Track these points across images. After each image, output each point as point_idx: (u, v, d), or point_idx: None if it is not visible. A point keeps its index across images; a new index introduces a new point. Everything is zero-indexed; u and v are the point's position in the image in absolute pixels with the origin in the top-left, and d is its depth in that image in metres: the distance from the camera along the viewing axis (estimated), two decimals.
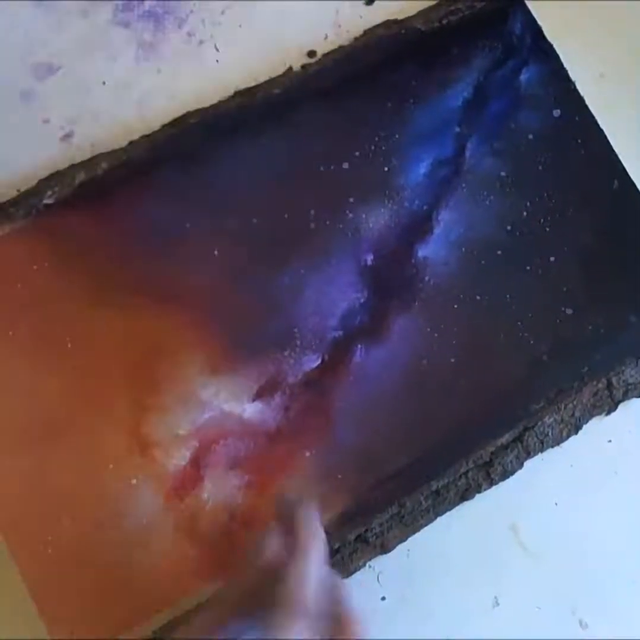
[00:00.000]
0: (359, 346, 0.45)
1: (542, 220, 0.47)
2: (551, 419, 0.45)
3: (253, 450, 0.43)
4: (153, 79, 0.48)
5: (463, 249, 0.47)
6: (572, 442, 0.46)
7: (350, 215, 0.46)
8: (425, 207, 0.47)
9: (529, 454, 0.45)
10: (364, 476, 0.44)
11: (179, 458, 0.43)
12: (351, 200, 0.46)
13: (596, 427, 0.46)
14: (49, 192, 0.44)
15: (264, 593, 0.33)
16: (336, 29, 0.50)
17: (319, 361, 0.45)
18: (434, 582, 0.44)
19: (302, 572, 0.34)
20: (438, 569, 0.45)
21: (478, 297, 0.46)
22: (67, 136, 0.47)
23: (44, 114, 0.47)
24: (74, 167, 0.45)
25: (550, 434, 0.45)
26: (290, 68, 0.48)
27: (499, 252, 0.47)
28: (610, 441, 0.47)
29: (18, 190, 0.46)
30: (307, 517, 0.35)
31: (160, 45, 0.49)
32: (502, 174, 0.48)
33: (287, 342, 0.45)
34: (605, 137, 0.48)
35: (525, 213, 0.47)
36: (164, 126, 0.47)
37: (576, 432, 0.46)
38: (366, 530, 0.43)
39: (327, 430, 0.44)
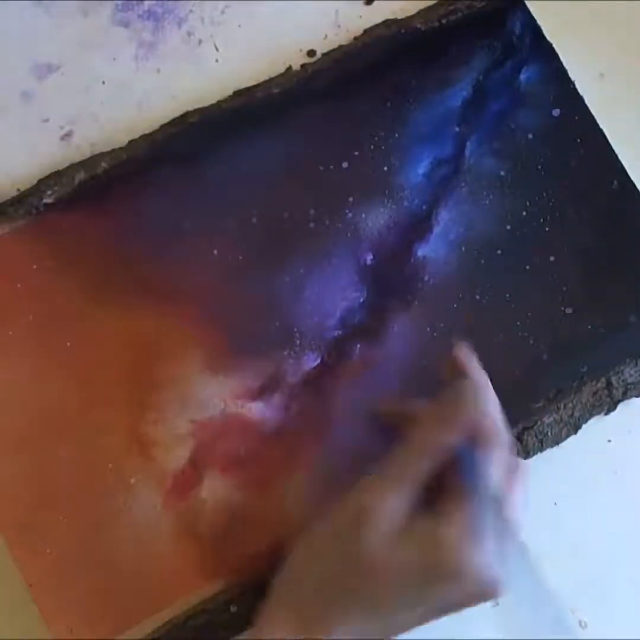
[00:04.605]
0: (359, 345, 0.45)
1: (541, 219, 0.47)
2: (550, 419, 0.45)
3: (252, 450, 0.43)
4: (153, 79, 0.48)
5: (463, 249, 0.47)
6: (571, 442, 0.46)
7: (350, 214, 0.46)
8: (424, 207, 0.47)
9: (528, 454, 0.45)
10: (364, 476, 0.43)
11: (179, 458, 0.43)
12: (351, 199, 0.46)
13: (595, 427, 0.46)
14: (49, 192, 0.44)
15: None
16: (336, 29, 0.50)
17: (319, 360, 0.45)
18: None
19: (489, 406, 0.35)
20: None
21: (477, 297, 0.46)
22: (67, 135, 0.47)
23: (43, 114, 0.47)
24: (73, 167, 0.45)
25: (549, 433, 0.45)
26: (290, 67, 0.48)
27: (499, 252, 0.47)
28: (609, 441, 0.47)
29: (18, 190, 0.46)
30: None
31: (160, 44, 0.49)
32: (502, 173, 0.48)
33: (287, 342, 0.45)
34: (604, 136, 0.48)
35: (524, 212, 0.47)
36: (164, 126, 0.46)
37: (575, 432, 0.46)
38: None
39: (326, 429, 0.44)
